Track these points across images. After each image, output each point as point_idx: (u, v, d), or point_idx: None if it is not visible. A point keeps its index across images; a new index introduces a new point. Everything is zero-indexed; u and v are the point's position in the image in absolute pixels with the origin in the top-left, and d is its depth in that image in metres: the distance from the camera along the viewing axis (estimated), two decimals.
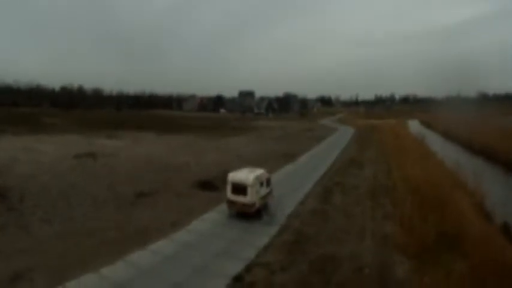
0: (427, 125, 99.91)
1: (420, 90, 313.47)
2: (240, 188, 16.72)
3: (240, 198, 16.75)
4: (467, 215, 16.62)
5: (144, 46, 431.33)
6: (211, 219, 17.37)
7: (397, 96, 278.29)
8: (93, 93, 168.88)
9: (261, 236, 15.20)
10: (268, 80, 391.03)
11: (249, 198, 16.51)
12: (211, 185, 23.23)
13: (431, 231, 14.27)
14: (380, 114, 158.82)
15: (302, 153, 40.30)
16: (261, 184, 17.42)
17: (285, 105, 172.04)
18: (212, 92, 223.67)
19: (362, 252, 13.73)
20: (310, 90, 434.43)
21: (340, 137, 63.78)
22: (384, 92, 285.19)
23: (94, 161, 29.21)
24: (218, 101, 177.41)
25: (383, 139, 56.50)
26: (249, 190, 16.45)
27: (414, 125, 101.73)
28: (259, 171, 17.96)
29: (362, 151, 43.52)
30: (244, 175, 17.13)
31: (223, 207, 18.09)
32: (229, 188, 17.25)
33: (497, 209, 19.92)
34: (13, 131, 45.73)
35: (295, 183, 25.12)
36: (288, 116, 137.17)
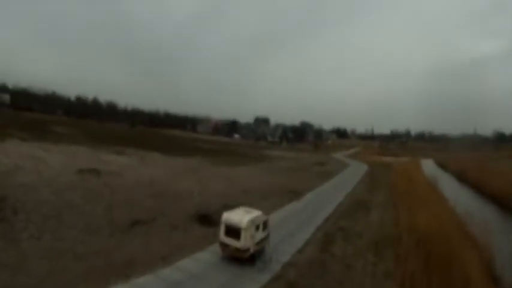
0: (441, 165, 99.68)
1: (436, 127, 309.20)
2: (233, 231, 15.83)
3: (233, 242, 15.83)
4: (474, 277, 15.49)
5: (160, 65, 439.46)
6: (203, 259, 16.58)
7: (412, 132, 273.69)
8: (107, 106, 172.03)
9: (251, 285, 14.27)
10: (285, 106, 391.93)
11: (242, 242, 15.56)
12: (210, 219, 22.61)
13: None
14: (394, 151, 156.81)
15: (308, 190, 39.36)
16: (257, 228, 16.44)
17: (300, 135, 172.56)
18: (227, 115, 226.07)
19: None
20: (325, 120, 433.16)
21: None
22: (400, 127, 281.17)
23: (97, 178, 29.04)
24: (233, 126, 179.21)
25: (394, 180, 55.05)
26: (243, 234, 15.53)
27: (428, 164, 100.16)
28: (255, 213, 17.00)
29: (371, 192, 42.24)
30: (239, 217, 16.18)
31: (218, 247, 17.16)
32: (222, 229, 16.40)
33: (506, 269, 18.75)
34: (21, 137, 45.81)
35: (296, 225, 24.19)
36: (301, 147, 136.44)
